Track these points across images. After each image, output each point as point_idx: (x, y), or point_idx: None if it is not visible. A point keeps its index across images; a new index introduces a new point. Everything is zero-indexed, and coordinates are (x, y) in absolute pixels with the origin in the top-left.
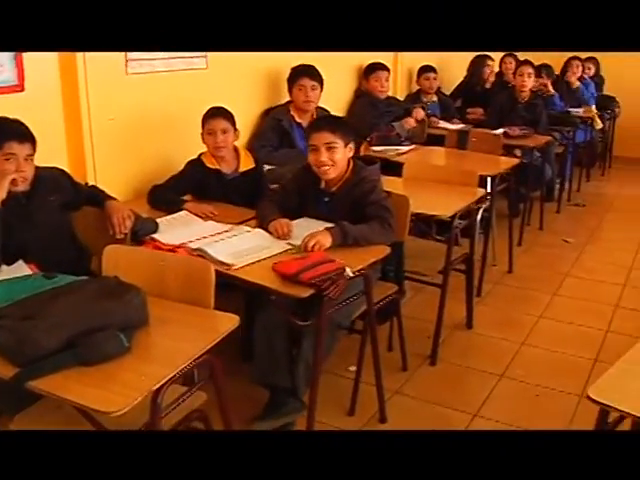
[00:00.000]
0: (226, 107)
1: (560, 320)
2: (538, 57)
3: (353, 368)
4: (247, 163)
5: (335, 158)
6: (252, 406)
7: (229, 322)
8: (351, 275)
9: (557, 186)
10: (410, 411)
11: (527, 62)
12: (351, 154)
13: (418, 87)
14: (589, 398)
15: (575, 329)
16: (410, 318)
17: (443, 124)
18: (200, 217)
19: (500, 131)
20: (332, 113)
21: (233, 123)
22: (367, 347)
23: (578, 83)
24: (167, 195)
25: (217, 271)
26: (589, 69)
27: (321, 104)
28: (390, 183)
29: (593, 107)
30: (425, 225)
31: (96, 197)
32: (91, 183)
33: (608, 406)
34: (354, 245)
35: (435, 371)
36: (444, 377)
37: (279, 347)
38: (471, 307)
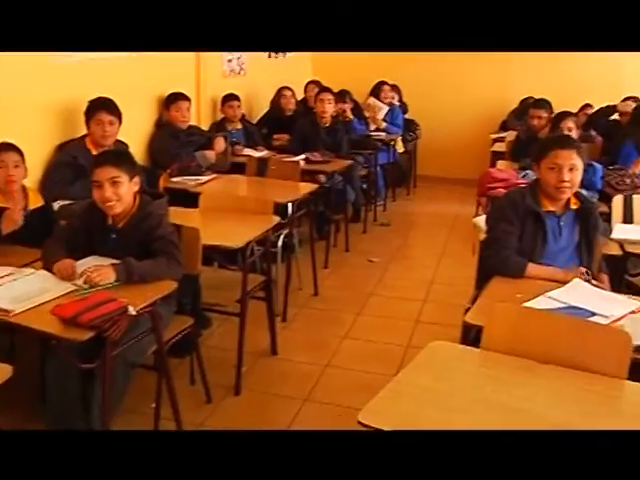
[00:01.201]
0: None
1: (363, 339)
2: (341, 83)
3: (154, 405)
4: (35, 201)
5: (120, 193)
6: None
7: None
8: (134, 313)
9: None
10: None
11: (326, 89)
12: (137, 188)
13: (222, 115)
14: (360, 423)
15: (377, 347)
16: (216, 349)
17: (248, 152)
18: None
19: (302, 157)
20: (131, 147)
21: (24, 159)
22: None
23: (384, 124)
24: None
25: None
26: (393, 97)
27: (121, 137)
28: (186, 215)
29: (399, 138)
30: (228, 255)
31: None
32: None
33: (379, 430)
34: (140, 282)
35: (239, 401)
36: (248, 406)
37: (71, 390)
38: (274, 333)
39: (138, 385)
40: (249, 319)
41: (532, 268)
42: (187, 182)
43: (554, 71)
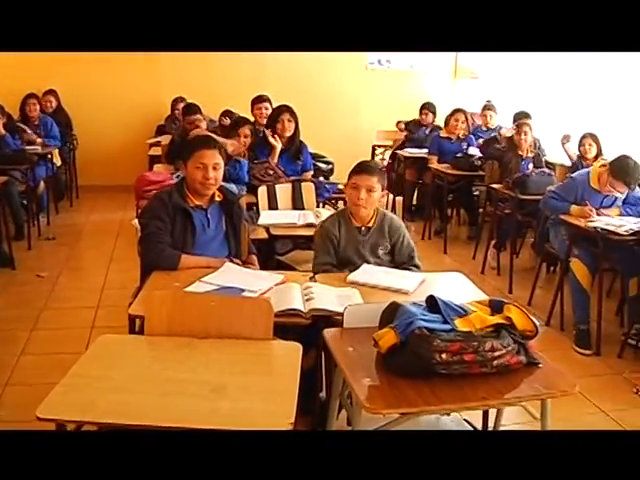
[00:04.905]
0: None
1: (41, 353)
2: None
3: None
4: None
5: None
6: None
7: None
8: None
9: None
10: None
11: None
12: None
13: None
14: (38, 419)
15: (56, 358)
16: None
17: None
18: None
19: None
20: None
21: None
22: None
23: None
24: None
25: None
26: (50, 102)
27: None
28: None
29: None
30: None
31: None
32: None
33: (60, 420)
34: None
35: None
36: None
37: None
38: None
39: None
40: None
41: (186, 259)
42: None
43: (202, 73)
